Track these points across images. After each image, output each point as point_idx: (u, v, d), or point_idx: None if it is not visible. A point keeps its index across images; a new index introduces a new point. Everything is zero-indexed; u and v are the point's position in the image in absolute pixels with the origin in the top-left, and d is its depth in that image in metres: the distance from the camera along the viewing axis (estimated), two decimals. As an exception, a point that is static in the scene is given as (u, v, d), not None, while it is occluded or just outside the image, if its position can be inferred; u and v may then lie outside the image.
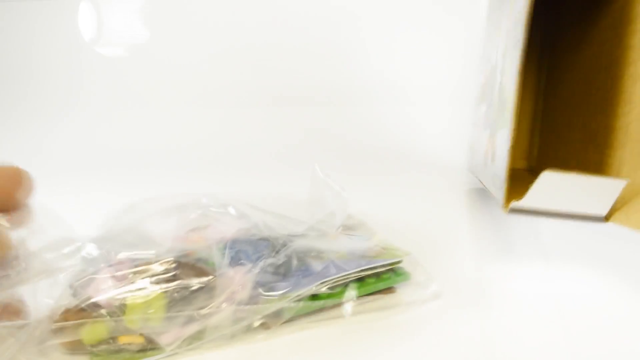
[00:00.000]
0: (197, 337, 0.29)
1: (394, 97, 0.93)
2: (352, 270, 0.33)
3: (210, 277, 0.30)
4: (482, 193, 0.62)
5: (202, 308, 0.29)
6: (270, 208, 0.37)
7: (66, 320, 0.28)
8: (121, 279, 0.29)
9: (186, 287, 0.29)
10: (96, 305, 0.28)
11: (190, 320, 0.29)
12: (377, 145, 0.86)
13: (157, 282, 0.29)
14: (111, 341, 0.28)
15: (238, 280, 0.30)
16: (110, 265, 0.30)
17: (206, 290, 0.30)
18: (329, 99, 0.94)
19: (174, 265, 0.30)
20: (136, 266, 0.30)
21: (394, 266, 0.36)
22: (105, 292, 0.28)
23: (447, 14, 0.92)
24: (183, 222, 0.33)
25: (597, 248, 0.44)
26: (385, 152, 0.83)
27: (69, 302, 0.28)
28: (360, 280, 0.34)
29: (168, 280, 0.29)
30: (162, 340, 0.28)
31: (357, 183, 0.59)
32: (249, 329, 0.31)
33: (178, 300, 0.29)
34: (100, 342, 0.28)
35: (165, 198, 0.35)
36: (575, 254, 0.43)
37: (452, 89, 0.92)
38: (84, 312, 0.28)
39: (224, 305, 0.29)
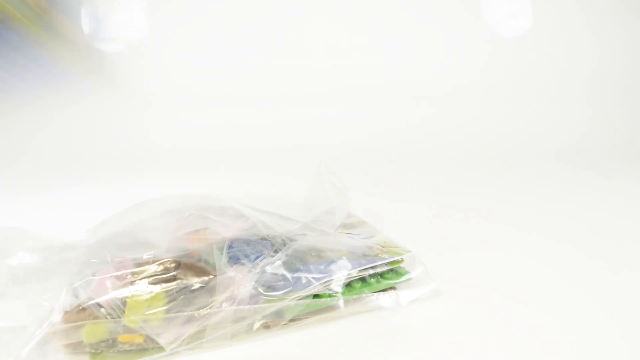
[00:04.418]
0: (197, 337, 0.29)
1: (398, 97, 0.93)
2: (353, 270, 0.33)
3: (211, 276, 0.30)
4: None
5: (202, 308, 0.29)
6: (269, 208, 0.36)
7: (67, 321, 0.28)
8: (121, 280, 0.29)
9: (186, 287, 0.29)
10: (97, 306, 0.28)
11: (190, 319, 0.29)
12: (379, 145, 0.86)
13: (157, 282, 0.29)
14: (111, 341, 0.28)
15: (238, 280, 0.30)
16: (111, 266, 0.30)
17: (206, 290, 0.30)
18: (330, 98, 0.94)
19: (173, 265, 0.30)
20: (136, 266, 0.30)
21: (395, 265, 0.35)
22: (106, 292, 0.28)
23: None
24: (182, 223, 0.33)
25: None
26: (387, 151, 0.83)
27: (70, 303, 0.28)
28: (361, 279, 0.34)
29: (168, 280, 0.29)
30: (162, 339, 0.28)
31: (359, 182, 0.59)
32: (249, 329, 0.30)
33: (178, 300, 0.29)
34: (101, 342, 0.28)
35: (164, 199, 0.35)
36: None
37: (450, 91, 0.92)
38: (85, 312, 0.28)
39: (224, 305, 0.29)
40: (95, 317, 0.28)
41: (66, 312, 0.28)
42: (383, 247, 0.36)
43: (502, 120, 0.89)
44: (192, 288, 0.29)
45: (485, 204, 0.57)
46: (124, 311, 0.28)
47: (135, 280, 0.29)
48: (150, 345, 0.29)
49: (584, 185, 0.63)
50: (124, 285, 0.29)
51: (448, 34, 0.95)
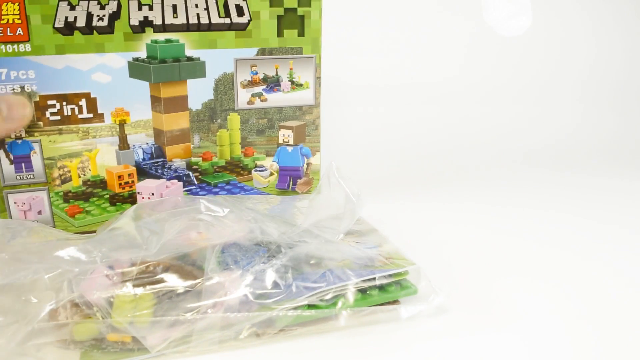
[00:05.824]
0: (184, 341, 0.29)
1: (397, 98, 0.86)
2: (350, 282, 0.32)
3: (197, 281, 0.30)
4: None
5: (188, 312, 0.29)
6: (271, 212, 0.36)
7: (56, 317, 0.28)
8: (111, 279, 0.29)
9: (172, 290, 0.29)
10: (89, 304, 0.29)
11: (176, 323, 0.29)
12: (390, 154, 0.78)
13: (143, 285, 0.29)
14: (100, 339, 0.29)
15: (226, 286, 0.30)
16: (103, 266, 0.30)
17: (193, 294, 0.29)
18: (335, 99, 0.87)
19: (162, 267, 0.30)
20: (129, 267, 0.30)
21: (399, 278, 0.34)
22: (95, 291, 0.29)
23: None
24: (180, 225, 0.33)
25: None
26: (395, 159, 0.76)
27: (59, 299, 0.29)
28: (361, 291, 0.33)
29: (155, 282, 0.29)
30: (148, 341, 0.28)
31: (371, 190, 0.55)
32: (237, 336, 0.30)
33: (164, 303, 0.29)
34: (90, 339, 0.29)
35: (162, 201, 0.35)
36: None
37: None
38: (77, 309, 0.29)
39: (210, 310, 0.29)
40: (87, 315, 0.29)
41: (57, 309, 0.28)
42: (387, 258, 0.34)
43: (516, 124, 0.81)
44: (178, 292, 0.29)
45: (501, 214, 0.51)
46: (109, 312, 0.28)
47: (124, 281, 0.29)
48: (137, 346, 0.29)
49: (601, 190, 0.57)
50: (112, 286, 0.29)
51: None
